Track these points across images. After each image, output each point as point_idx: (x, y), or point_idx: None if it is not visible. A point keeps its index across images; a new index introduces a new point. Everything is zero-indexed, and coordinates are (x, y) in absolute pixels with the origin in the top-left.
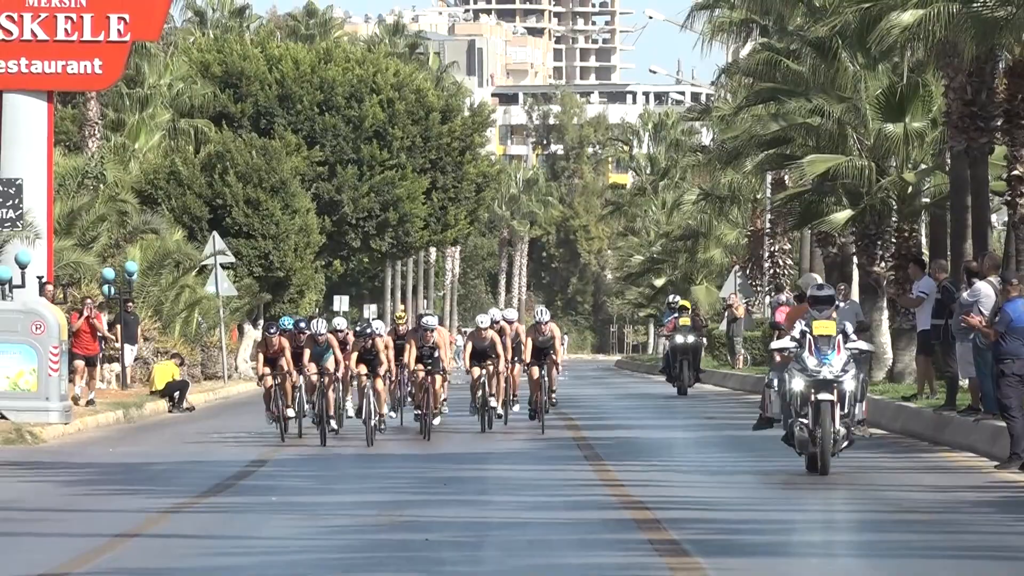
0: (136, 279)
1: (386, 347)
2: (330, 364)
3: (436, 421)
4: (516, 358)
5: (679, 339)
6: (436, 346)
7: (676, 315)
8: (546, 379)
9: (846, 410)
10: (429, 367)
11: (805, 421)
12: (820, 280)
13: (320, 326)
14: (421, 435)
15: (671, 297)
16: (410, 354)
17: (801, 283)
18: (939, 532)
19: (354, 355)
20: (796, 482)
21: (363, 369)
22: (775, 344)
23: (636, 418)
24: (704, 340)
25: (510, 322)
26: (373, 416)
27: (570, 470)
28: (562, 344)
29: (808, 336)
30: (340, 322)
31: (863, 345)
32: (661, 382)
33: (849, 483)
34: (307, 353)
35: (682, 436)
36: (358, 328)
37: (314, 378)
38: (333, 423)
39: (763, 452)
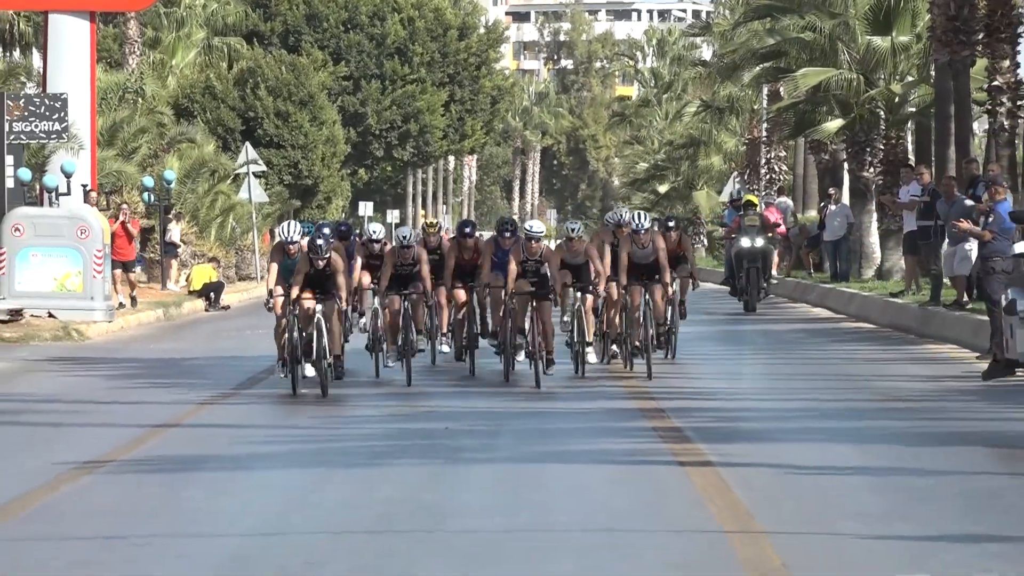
0: (174, 187)
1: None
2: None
3: (551, 370)
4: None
5: (745, 242)
6: (545, 260)
7: (741, 213)
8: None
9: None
10: (536, 289)
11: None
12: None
13: (378, 231)
14: (505, 380)
15: (735, 190)
16: (491, 270)
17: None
18: (924, 419)
19: (359, 261)
20: (793, 375)
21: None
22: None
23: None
24: (775, 245)
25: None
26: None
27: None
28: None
29: None
30: (378, 228)
31: None
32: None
33: (840, 374)
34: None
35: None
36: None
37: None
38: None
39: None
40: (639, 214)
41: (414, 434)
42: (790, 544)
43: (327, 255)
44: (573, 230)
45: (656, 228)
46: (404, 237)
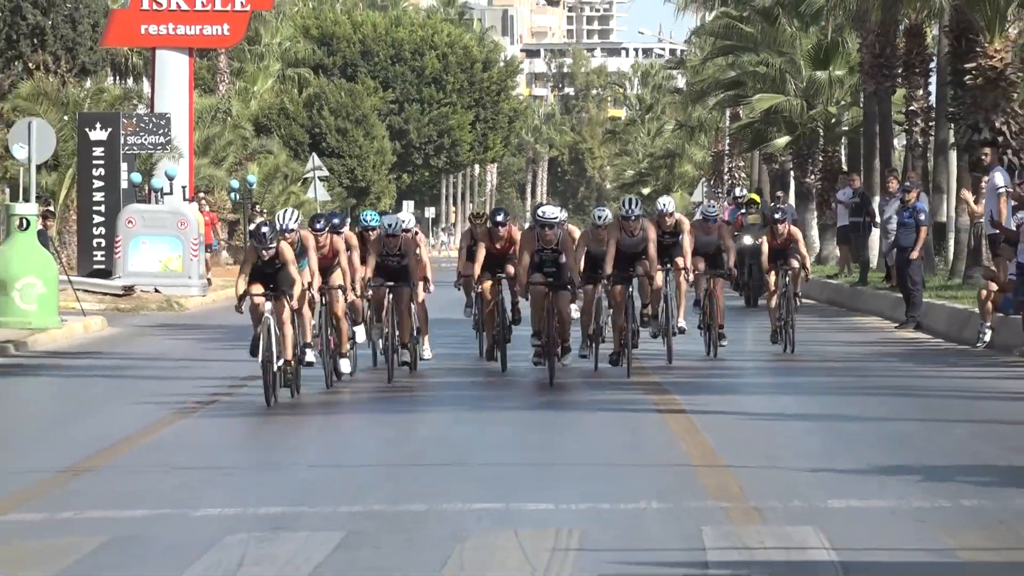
0: (255, 188)
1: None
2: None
3: (567, 360)
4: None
5: (747, 240)
6: (563, 249)
7: (743, 211)
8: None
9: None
10: (553, 279)
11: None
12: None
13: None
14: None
15: (737, 190)
16: (519, 262)
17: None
18: (851, 375)
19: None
20: (751, 340)
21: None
22: None
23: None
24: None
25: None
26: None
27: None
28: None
29: None
30: (408, 218)
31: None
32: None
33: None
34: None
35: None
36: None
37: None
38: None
39: None
40: (630, 199)
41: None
42: (746, 475)
43: (272, 245)
44: (600, 217)
45: (643, 215)
46: (389, 226)
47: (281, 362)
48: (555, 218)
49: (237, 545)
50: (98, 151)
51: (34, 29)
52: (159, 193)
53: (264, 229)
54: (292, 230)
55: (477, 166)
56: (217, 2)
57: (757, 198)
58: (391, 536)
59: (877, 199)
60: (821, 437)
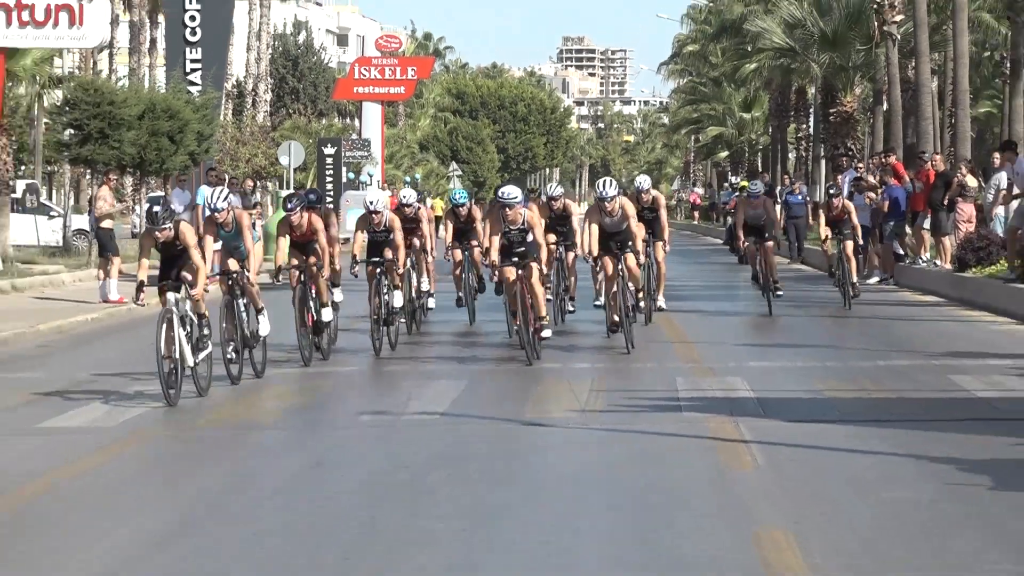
0: (420, 181)
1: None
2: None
3: (546, 333)
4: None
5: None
6: (529, 227)
7: (736, 194)
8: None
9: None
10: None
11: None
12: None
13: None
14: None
15: (732, 179)
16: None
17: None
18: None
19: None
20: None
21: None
22: None
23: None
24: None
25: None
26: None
27: None
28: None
29: None
30: (408, 193)
31: None
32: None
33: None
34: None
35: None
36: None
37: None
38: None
39: None
40: (604, 181)
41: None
42: (702, 348)
43: (164, 226)
44: (604, 192)
45: (623, 194)
46: (372, 203)
47: (194, 361)
48: (514, 198)
49: None
50: (328, 160)
51: (292, 89)
52: (363, 185)
53: (156, 208)
54: (220, 210)
55: (547, 169)
56: (398, 72)
57: (746, 184)
58: None
59: (779, 188)
60: (762, 331)
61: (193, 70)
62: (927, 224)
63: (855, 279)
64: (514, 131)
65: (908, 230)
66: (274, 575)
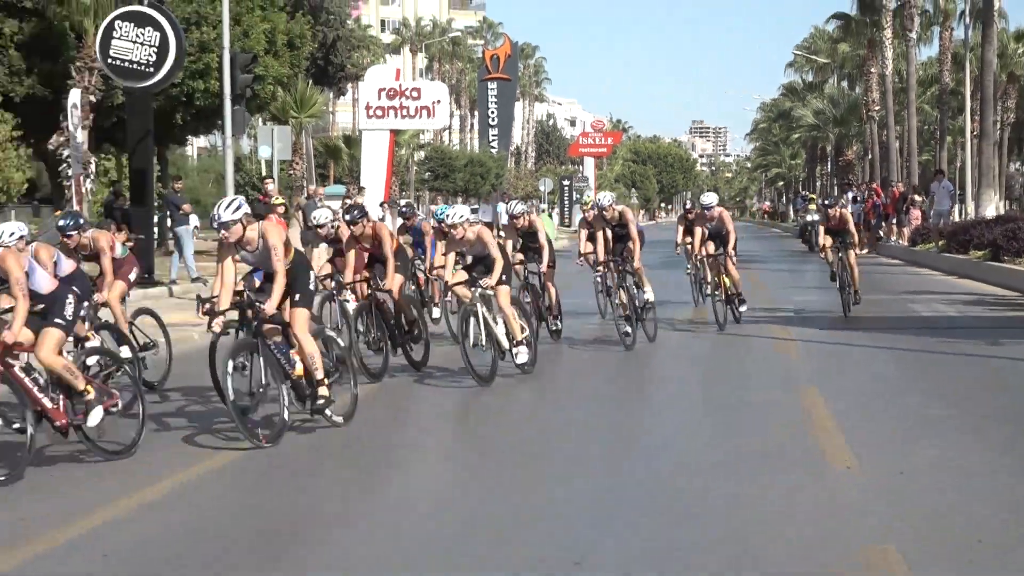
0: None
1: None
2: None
3: (517, 352)
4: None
5: (808, 217)
6: (483, 244)
7: (806, 203)
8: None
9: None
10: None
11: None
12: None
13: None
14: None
15: (803, 193)
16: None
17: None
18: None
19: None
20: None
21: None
22: None
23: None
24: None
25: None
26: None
27: None
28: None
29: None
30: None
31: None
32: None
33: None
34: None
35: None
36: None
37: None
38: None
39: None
40: (603, 195)
41: None
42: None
43: (70, 234)
44: (602, 199)
45: (618, 204)
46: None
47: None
48: (460, 217)
49: None
50: (566, 186)
51: (545, 151)
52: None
53: (61, 222)
54: (225, 223)
55: (685, 191)
56: (601, 140)
57: (814, 197)
58: None
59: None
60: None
61: (492, 139)
62: (895, 221)
63: (857, 286)
64: (666, 171)
65: (884, 225)
66: None
